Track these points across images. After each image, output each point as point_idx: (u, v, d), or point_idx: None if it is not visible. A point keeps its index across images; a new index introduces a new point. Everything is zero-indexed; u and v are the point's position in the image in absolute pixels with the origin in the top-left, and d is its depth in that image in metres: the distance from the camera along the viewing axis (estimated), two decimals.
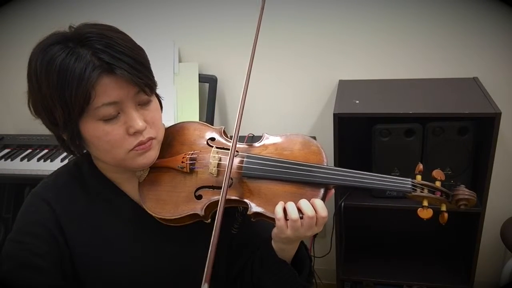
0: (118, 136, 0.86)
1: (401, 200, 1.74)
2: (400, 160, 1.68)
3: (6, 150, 2.14)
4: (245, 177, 0.92)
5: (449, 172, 1.68)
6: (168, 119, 1.93)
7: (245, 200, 0.90)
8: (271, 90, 2.09)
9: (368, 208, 1.78)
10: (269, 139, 0.99)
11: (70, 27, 0.86)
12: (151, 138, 0.90)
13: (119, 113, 0.86)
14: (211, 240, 0.75)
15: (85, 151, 0.96)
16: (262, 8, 0.97)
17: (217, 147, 0.97)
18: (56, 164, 1.97)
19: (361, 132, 1.80)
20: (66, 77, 0.80)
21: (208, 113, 2.03)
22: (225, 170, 0.88)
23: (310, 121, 2.10)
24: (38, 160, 2.02)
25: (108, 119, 0.85)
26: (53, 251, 0.91)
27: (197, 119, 1.98)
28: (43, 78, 0.82)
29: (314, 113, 2.09)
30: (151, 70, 0.90)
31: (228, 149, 0.94)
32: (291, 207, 0.85)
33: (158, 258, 0.97)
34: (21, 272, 0.89)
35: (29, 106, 0.89)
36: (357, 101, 1.74)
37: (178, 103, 2.00)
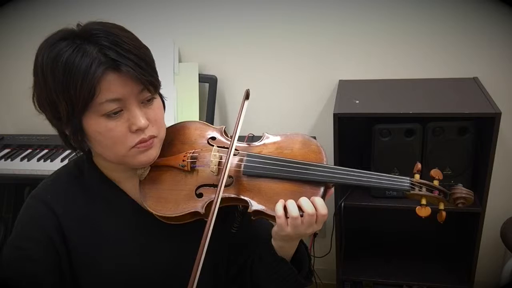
0: (120, 133, 0.87)
1: (401, 200, 1.75)
2: (400, 160, 1.68)
3: (6, 150, 2.13)
4: (245, 175, 0.92)
5: (449, 172, 1.68)
6: (168, 119, 1.93)
7: (246, 198, 0.90)
8: (271, 90, 2.09)
9: (368, 208, 1.78)
10: (269, 139, 1.00)
11: (78, 24, 0.87)
12: (152, 136, 0.91)
13: (122, 110, 0.86)
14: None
15: (86, 149, 0.96)
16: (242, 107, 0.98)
17: (218, 146, 0.97)
18: (56, 164, 1.97)
19: (361, 132, 1.80)
20: (71, 72, 0.80)
21: (208, 113, 2.03)
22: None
23: (310, 121, 2.10)
24: (38, 160, 2.02)
25: (111, 116, 0.85)
26: (50, 256, 0.92)
27: (197, 119, 1.98)
28: (49, 72, 0.83)
29: (314, 113, 2.09)
30: (155, 69, 0.91)
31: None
32: (291, 205, 0.86)
33: (158, 257, 0.97)
34: (20, 279, 0.90)
35: (33, 101, 0.89)
36: (357, 101, 1.74)
37: (178, 103, 2.00)
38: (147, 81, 0.86)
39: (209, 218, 0.82)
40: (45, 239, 0.92)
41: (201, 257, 0.80)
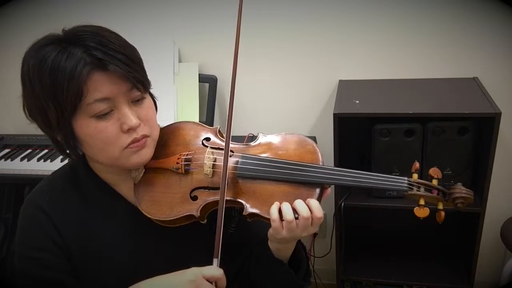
0: (111, 133, 0.86)
1: (401, 200, 1.74)
2: (400, 160, 1.68)
3: (6, 150, 2.13)
4: (240, 177, 0.91)
5: (449, 172, 1.68)
6: (168, 119, 1.93)
7: (241, 201, 0.89)
8: (271, 90, 2.09)
9: (368, 208, 1.77)
10: (265, 139, 0.98)
11: (63, 29, 0.86)
12: (145, 136, 0.90)
13: (112, 110, 0.85)
14: (217, 216, 0.81)
15: (81, 153, 0.96)
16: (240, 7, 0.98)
17: (212, 147, 0.96)
18: (56, 164, 1.97)
19: (361, 132, 1.80)
20: (57, 75, 0.80)
21: (208, 113, 2.03)
22: (220, 171, 0.89)
23: (310, 121, 2.10)
24: (38, 160, 2.02)
25: (101, 116, 0.85)
26: (61, 259, 0.93)
27: (197, 119, 1.98)
28: (36, 78, 0.82)
29: (314, 113, 2.09)
30: (144, 68, 0.90)
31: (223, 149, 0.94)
32: (286, 208, 0.85)
33: (156, 259, 0.97)
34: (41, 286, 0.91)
35: (24, 110, 0.89)
36: (357, 101, 1.74)
37: (178, 103, 2.00)
38: (135, 78, 0.85)
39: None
40: (51, 244, 0.93)
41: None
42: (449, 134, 1.64)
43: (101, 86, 0.82)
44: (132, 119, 0.86)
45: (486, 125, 1.59)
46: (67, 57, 0.80)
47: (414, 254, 2.04)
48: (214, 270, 0.81)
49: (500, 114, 1.52)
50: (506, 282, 1.96)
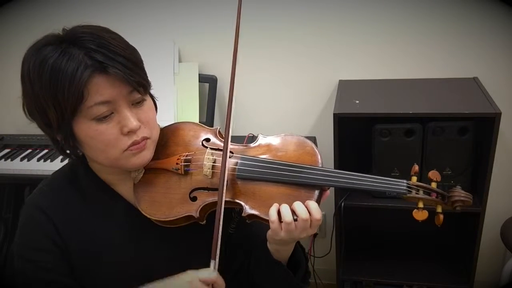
0: (112, 136, 0.86)
1: (401, 200, 1.70)
2: (400, 160, 1.68)
3: (6, 150, 2.13)
4: (239, 178, 0.91)
5: (449, 172, 1.68)
6: (168, 119, 1.93)
7: (240, 202, 0.89)
8: (271, 90, 2.09)
9: (368, 208, 1.78)
10: (264, 140, 0.98)
11: (63, 29, 0.86)
12: (145, 138, 0.90)
13: (112, 112, 0.85)
14: (216, 218, 0.81)
15: (80, 153, 0.96)
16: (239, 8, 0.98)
17: (211, 148, 0.96)
18: (56, 164, 1.97)
19: (361, 132, 1.80)
20: (58, 77, 0.80)
21: (208, 113, 2.03)
22: (219, 172, 0.89)
23: (310, 121, 2.10)
24: (38, 160, 2.02)
25: (101, 119, 0.85)
26: (61, 260, 0.93)
27: (197, 119, 1.98)
28: (36, 79, 0.82)
29: (314, 113, 2.09)
30: (144, 70, 0.90)
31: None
32: (285, 209, 0.85)
33: (155, 259, 0.97)
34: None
35: (23, 109, 0.89)
36: (357, 101, 1.74)
37: (178, 103, 2.00)
38: (136, 82, 0.85)
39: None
40: (52, 246, 0.93)
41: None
42: (449, 134, 1.64)
43: (101, 89, 0.82)
44: (132, 121, 0.86)
45: (486, 125, 1.59)
46: (68, 59, 0.80)
47: (414, 254, 2.04)
48: (210, 273, 0.82)
49: (500, 114, 1.52)
50: (506, 282, 1.96)
